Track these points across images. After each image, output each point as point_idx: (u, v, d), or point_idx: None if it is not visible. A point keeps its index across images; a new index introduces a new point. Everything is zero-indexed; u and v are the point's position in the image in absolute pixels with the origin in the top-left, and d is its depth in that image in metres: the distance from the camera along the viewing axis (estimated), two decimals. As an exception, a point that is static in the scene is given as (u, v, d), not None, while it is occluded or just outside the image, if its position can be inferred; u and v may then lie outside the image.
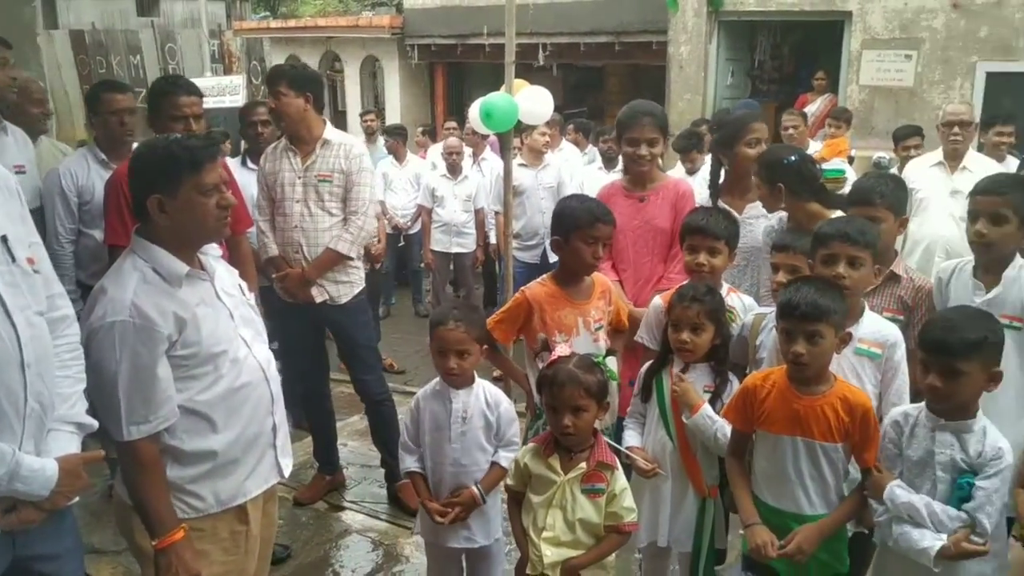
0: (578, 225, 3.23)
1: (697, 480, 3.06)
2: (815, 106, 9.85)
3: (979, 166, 5.26)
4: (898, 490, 2.44)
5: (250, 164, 5.20)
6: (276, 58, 15.73)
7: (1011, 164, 5.69)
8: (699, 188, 4.16)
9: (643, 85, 12.26)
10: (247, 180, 4.83)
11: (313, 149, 4.22)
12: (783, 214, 3.60)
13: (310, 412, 4.80)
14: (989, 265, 2.98)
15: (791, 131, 7.17)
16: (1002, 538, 2.50)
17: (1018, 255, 2.98)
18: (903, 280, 3.18)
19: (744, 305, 3.33)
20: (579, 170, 7.56)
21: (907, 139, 6.46)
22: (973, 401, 2.44)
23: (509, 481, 2.91)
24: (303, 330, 4.45)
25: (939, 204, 5.34)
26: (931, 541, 2.36)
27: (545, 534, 2.73)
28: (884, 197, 3.23)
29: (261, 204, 4.36)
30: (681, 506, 3.09)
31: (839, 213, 3.31)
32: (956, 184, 5.27)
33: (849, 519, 2.64)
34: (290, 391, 5.44)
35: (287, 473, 2.70)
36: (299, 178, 4.22)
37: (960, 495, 2.40)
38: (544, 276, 3.44)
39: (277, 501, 2.91)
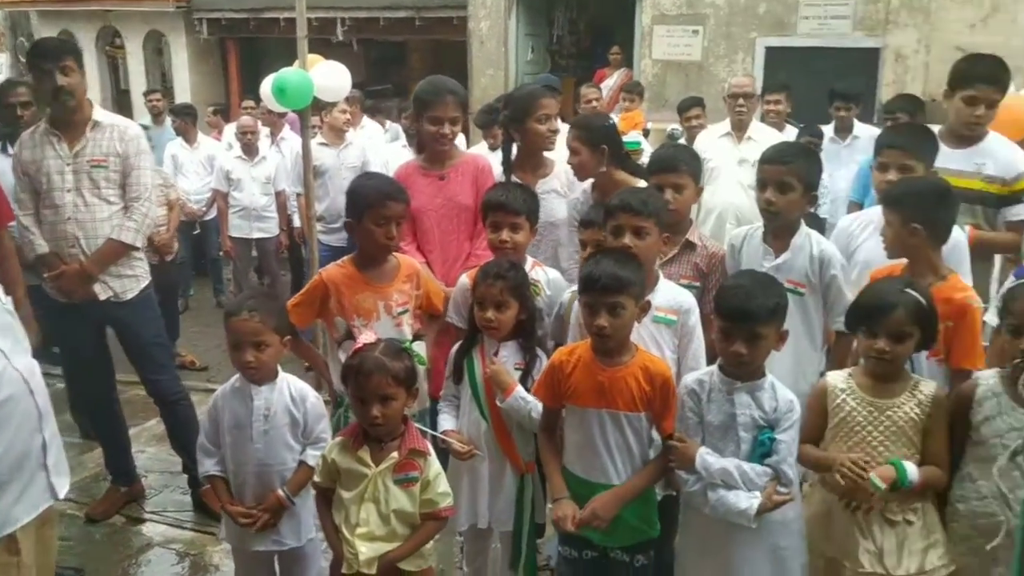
0: (368, 204, 3.11)
1: (514, 458, 3.05)
2: (612, 80, 10.13)
3: (762, 135, 5.58)
4: (709, 458, 2.51)
5: (10, 150, 4.67)
6: (46, 34, 14.35)
7: (790, 132, 6.07)
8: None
9: (446, 60, 12.15)
10: (5, 167, 4.33)
11: (83, 133, 3.84)
12: (587, 186, 3.63)
13: (97, 420, 4.40)
14: (777, 231, 3.13)
15: (593, 103, 7.33)
16: (796, 484, 2.64)
17: (803, 223, 3.15)
18: (698, 248, 3.27)
19: (549, 278, 3.33)
20: (382, 148, 7.38)
21: (689, 110, 6.77)
22: (764, 361, 2.54)
23: (317, 478, 2.76)
24: (83, 331, 4.06)
25: (728, 173, 5.60)
26: (747, 501, 2.45)
27: (359, 530, 2.61)
28: (687, 164, 3.33)
29: (21, 198, 3.91)
30: (500, 485, 3.06)
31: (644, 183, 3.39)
32: (743, 153, 5.55)
33: (648, 485, 2.69)
34: (75, 399, 5.13)
35: (62, 494, 2.44)
36: (68, 165, 3.83)
37: (762, 451, 2.50)
38: (344, 258, 3.29)
39: (56, 524, 2.63)
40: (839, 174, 5.62)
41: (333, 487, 2.71)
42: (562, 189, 3.85)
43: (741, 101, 5.71)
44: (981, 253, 3.57)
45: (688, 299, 2.92)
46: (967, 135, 3.72)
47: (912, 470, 2.44)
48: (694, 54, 9.94)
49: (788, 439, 2.50)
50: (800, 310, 3.06)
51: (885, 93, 8.95)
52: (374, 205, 3.10)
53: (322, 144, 6.60)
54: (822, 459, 2.60)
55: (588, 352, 2.65)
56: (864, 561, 2.47)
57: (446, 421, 3.13)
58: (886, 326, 2.48)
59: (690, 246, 3.26)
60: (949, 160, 3.58)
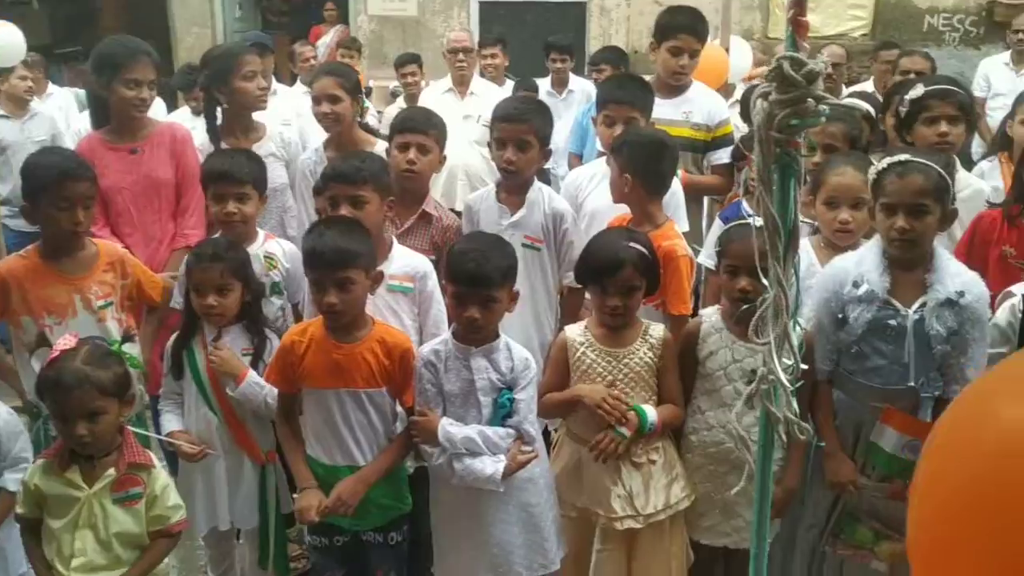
0: (44, 186, 2.70)
1: (252, 450, 2.83)
2: (328, 37, 9.75)
3: (485, 90, 5.59)
4: (451, 428, 2.44)
5: None
6: None
7: (509, 87, 6.12)
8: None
9: (143, 19, 11.09)
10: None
11: None
12: (320, 145, 3.49)
13: None
14: (511, 188, 3.13)
15: (311, 62, 7.00)
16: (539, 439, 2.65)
17: (535, 178, 3.15)
18: (435, 219, 3.17)
19: (284, 250, 3.10)
20: (74, 118, 6.59)
21: (404, 67, 6.65)
22: (498, 324, 2.51)
23: (19, 509, 2.39)
24: None
25: (455, 130, 5.52)
26: (493, 466, 2.41)
27: (75, 562, 2.29)
28: (435, 127, 3.19)
29: None
30: (239, 481, 2.84)
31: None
32: (467, 109, 5.53)
33: (394, 463, 2.58)
34: None
35: None
36: None
37: (503, 412, 2.48)
38: (29, 247, 2.85)
39: None
40: (558, 126, 5.74)
41: (40, 516, 2.35)
42: (279, 152, 3.62)
43: (461, 56, 5.67)
44: (692, 196, 3.79)
45: (424, 264, 2.84)
46: (673, 85, 3.90)
47: (652, 413, 2.53)
48: (410, 9, 9.82)
49: (527, 397, 2.49)
50: (538, 265, 3.10)
51: (593, 46, 9.35)
52: (51, 186, 2.69)
53: (1, 116, 5.77)
54: (573, 395, 2.60)
55: (320, 330, 2.49)
56: (616, 507, 2.54)
57: (171, 421, 2.84)
58: (615, 283, 2.53)
59: (426, 218, 3.16)
60: (659, 109, 3.73)
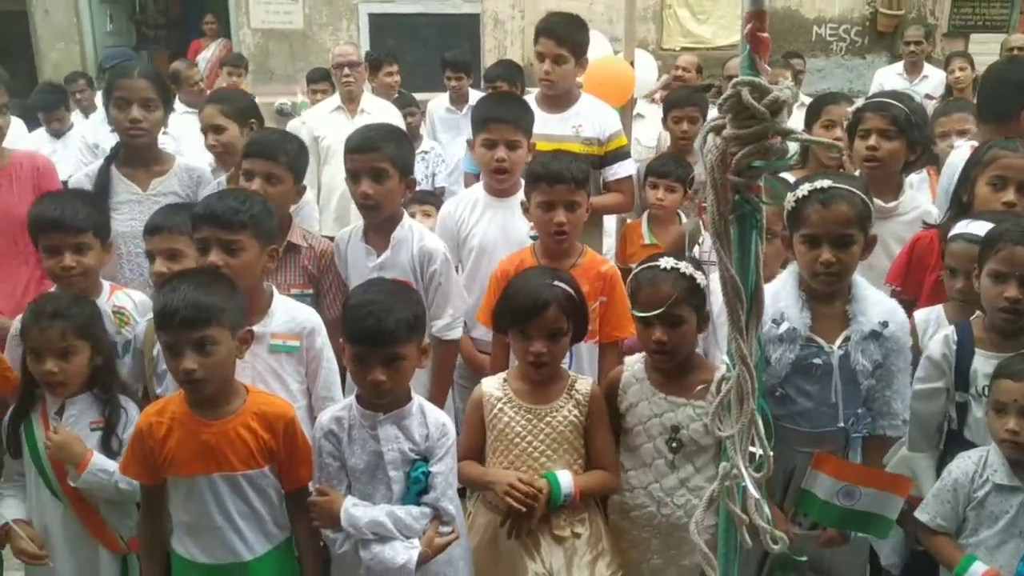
0: None
1: (108, 540, 2.39)
2: (209, 52, 9.22)
3: (377, 107, 5.25)
4: (355, 511, 2.07)
5: None
6: None
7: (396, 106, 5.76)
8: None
9: (4, 33, 10.29)
10: None
11: None
12: (223, 178, 3.18)
13: None
14: (378, 226, 2.79)
15: (200, 85, 6.47)
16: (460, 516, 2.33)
17: (404, 215, 2.84)
18: (304, 249, 2.82)
19: (135, 303, 2.67)
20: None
21: (318, 83, 6.22)
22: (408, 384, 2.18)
23: None
24: None
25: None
26: (406, 553, 2.06)
27: None
28: (287, 155, 2.83)
29: None
30: (95, 576, 2.40)
31: None
32: (356, 127, 5.17)
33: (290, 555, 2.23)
34: None
35: None
36: None
37: (418, 488, 2.14)
38: None
39: None
40: (458, 142, 5.47)
41: None
42: (184, 191, 3.13)
43: (347, 71, 5.30)
44: (592, 218, 3.51)
45: (310, 318, 2.46)
46: (551, 96, 3.55)
47: (566, 482, 2.23)
48: (296, 22, 9.40)
49: (445, 469, 2.16)
50: None
51: (488, 59, 9.13)
52: None
53: None
54: (484, 480, 2.31)
55: (182, 406, 2.09)
56: (533, 584, 2.22)
57: (11, 508, 2.38)
58: (539, 326, 2.23)
59: (293, 249, 2.79)
60: (547, 125, 3.44)
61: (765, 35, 1.13)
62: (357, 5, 9.30)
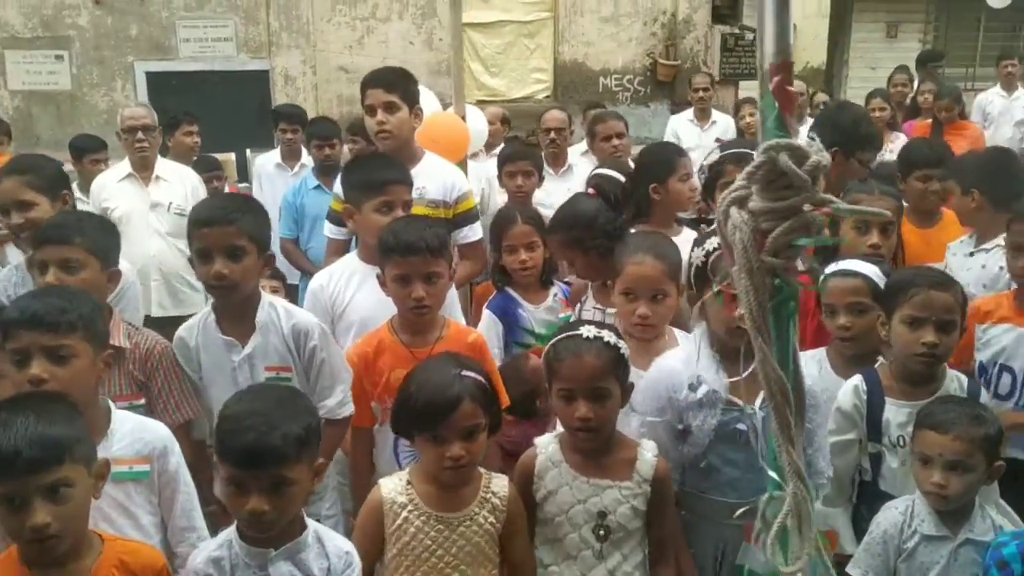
0: None
1: None
2: (-43, 118, 8.19)
3: (172, 172, 4.79)
4: None
5: None
6: None
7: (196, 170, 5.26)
8: None
9: None
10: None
11: None
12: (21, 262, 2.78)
13: None
14: (234, 312, 2.40)
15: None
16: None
17: (262, 293, 2.47)
18: (128, 351, 2.36)
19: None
20: None
21: (95, 153, 5.52)
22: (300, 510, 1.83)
23: None
24: None
25: (141, 220, 4.65)
26: None
27: None
28: (83, 235, 2.38)
29: None
30: None
31: None
32: (155, 196, 4.67)
33: None
34: None
35: None
36: None
37: None
38: None
39: None
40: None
41: None
42: None
43: (140, 135, 4.75)
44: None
45: (160, 434, 2.03)
46: (393, 151, 3.29)
47: None
48: (62, 82, 8.54)
49: None
50: None
51: (282, 117, 8.74)
52: None
53: None
54: None
55: (17, 568, 1.63)
56: None
57: None
58: (453, 427, 1.93)
59: (117, 352, 2.29)
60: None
61: (792, 89, 0.98)
62: (133, 63, 8.61)
